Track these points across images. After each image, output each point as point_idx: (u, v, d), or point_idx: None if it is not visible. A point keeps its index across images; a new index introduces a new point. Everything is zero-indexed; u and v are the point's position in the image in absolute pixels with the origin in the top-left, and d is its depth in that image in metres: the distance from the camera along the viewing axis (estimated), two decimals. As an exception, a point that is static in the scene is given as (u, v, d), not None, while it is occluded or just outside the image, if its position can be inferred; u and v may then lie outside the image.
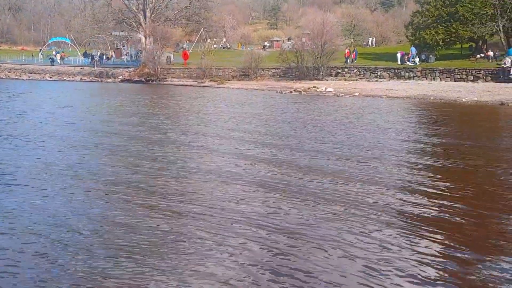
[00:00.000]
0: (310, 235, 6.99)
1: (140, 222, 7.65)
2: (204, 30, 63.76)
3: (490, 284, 5.58)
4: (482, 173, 10.54)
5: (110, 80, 46.84)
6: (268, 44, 71.34)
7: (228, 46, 71.42)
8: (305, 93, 32.46)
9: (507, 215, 7.78)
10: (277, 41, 73.01)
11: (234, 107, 24.40)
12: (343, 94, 30.74)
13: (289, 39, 65.41)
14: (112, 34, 60.48)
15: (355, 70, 39.91)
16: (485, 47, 44.81)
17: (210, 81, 41.33)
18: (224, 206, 8.36)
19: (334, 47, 40.22)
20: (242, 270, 5.98)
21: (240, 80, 41.33)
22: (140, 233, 7.17)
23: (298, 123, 18.56)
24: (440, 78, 34.94)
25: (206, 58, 44.37)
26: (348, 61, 42.88)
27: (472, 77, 33.19)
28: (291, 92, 33.06)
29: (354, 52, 45.00)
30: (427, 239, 6.85)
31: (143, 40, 50.55)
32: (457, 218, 7.69)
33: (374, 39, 66.77)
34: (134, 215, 7.98)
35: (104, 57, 55.80)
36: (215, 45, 68.87)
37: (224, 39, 74.99)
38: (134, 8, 51.76)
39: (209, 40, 65.62)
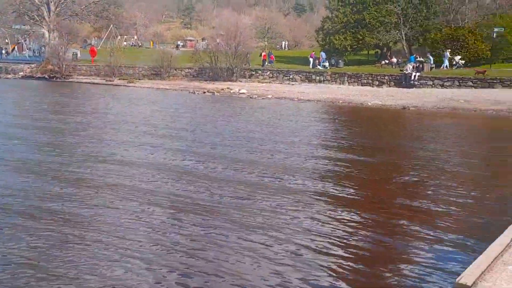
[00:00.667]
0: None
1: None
2: (114, 27, 61.26)
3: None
4: (383, 170, 10.80)
5: (9, 76, 43.39)
6: (182, 44, 70.16)
7: (140, 44, 69.25)
8: (218, 94, 32.08)
9: (402, 199, 7.92)
10: (191, 40, 72.08)
11: (139, 106, 23.57)
12: (256, 96, 30.76)
13: (203, 39, 64.78)
14: (13, 27, 56.22)
15: (269, 73, 40.25)
16: (389, 53, 47.28)
17: (119, 79, 39.62)
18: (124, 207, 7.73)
19: (247, 52, 40.29)
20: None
21: (151, 79, 40.07)
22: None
23: (204, 123, 18.16)
24: (349, 82, 36.17)
25: (115, 55, 42.54)
26: (267, 63, 43.31)
27: (377, 82, 34.70)
28: (204, 92, 32.54)
29: (271, 55, 45.54)
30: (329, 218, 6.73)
31: (46, 34, 47.42)
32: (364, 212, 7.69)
33: (287, 43, 68.09)
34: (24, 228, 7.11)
35: (4, 51, 51.70)
36: (125, 43, 66.44)
37: (135, 37, 72.68)
38: (37, 1, 48.38)
39: (119, 37, 63.12)
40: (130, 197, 8.75)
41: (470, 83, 30.80)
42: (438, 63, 38.74)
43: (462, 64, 37.31)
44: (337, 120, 21.07)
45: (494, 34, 36.18)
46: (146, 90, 34.29)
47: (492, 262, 4.30)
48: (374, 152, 13.61)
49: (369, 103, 27.40)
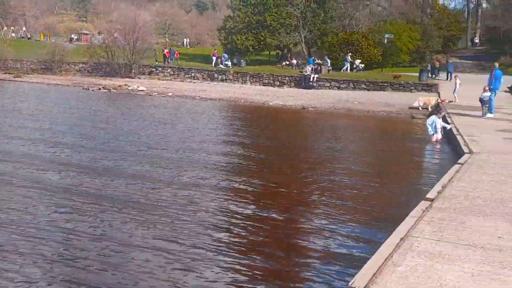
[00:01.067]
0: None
1: None
2: (0, 17, 56.28)
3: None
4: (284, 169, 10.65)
5: None
6: (76, 37, 66.19)
7: (29, 36, 64.22)
8: (115, 91, 30.48)
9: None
10: (86, 34, 68.22)
11: (23, 103, 21.59)
12: (156, 94, 29.68)
13: (99, 33, 61.61)
14: None
15: (169, 70, 39.21)
16: (290, 55, 48.34)
17: (4, 73, 36.29)
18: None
19: (145, 45, 38.92)
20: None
21: (41, 74, 37.20)
22: None
23: (97, 120, 16.97)
24: (251, 82, 36.29)
25: (0, 47, 38.98)
26: (169, 60, 42.19)
27: (278, 83, 35.19)
28: (99, 89, 30.75)
29: (176, 52, 44.53)
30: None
31: None
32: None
33: (189, 40, 67.12)
34: None
35: None
36: (13, 34, 61.30)
37: (24, 28, 67.27)
38: None
39: (5, 28, 58.06)
40: None
41: (364, 86, 32.26)
42: (336, 65, 40.31)
43: (362, 67, 39.14)
44: (239, 119, 20.82)
45: (385, 40, 38.34)
46: (35, 85, 31.64)
47: (382, 263, 4.12)
48: (274, 150, 13.47)
49: (270, 103, 27.58)
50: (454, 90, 25.31)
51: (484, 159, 9.45)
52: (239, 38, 44.84)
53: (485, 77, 20.35)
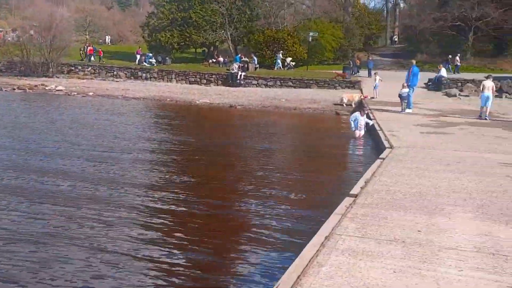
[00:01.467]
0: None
1: None
2: None
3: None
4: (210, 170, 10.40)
5: None
6: (-13, 34, 61.78)
7: None
8: (31, 91, 28.68)
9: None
10: (-2, 31, 63.85)
11: None
12: (75, 93, 28.28)
13: (13, 30, 57.84)
14: None
15: (90, 68, 37.61)
16: (216, 53, 48.03)
17: None
18: None
19: (64, 42, 37.03)
20: None
21: None
22: None
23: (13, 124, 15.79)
24: (176, 80, 35.60)
25: None
26: (92, 58, 40.49)
27: (205, 81, 34.77)
28: (14, 89, 28.80)
29: (99, 50, 42.86)
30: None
31: None
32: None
33: (111, 37, 64.88)
34: None
35: None
36: None
37: None
38: None
39: None
40: None
41: (291, 83, 32.64)
42: (263, 63, 40.56)
43: (293, 65, 39.65)
44: (164, 119, 20.22)
45: (310, 38, 39.09)
46: None
47: (307, 265, 4.01)
48: (199, 148, 13.16)
49: (197, 102, 27.16)
50: (375, 86, 26.25)
51: (403, 153, 9.73)
52: (164, 35, 43.92)
53: (404, 74, 21.23)
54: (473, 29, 43.08)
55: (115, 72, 37.09)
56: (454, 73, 37.27)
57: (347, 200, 6.10)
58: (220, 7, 43.39)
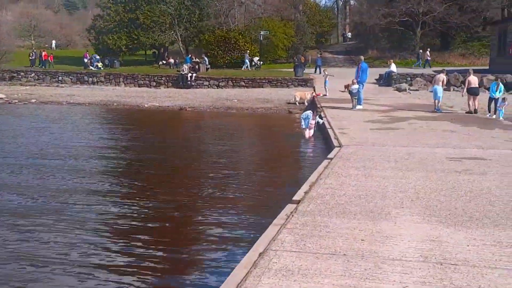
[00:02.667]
0: None
1: None
2: None
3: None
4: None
5: None
6: None
7: None
8: (-34, 100, 26.97)
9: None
10: None
11: None
12: (16, 101, 26.79)
13: (-50, 36, 54.78)
14: None
15: (33, 74, 35.83)
16: (167, 54, 46.98)
17: None
18: None
19: (4, 48, 35.19)
20: None
21: None
22: None
23: None
24: (125, 84, 34.41)
25: None
26: (47, 65, 38.83)
27: (155, 83, 33.77)
28: None
29: (51, 55, 41.08)
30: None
31: None
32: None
33: (56, 42, 62.61)
34: None
35: None
36: None
37: None
38: None
39: None
40: None
41: (243, 83, 32.12)
42: (215, 63, 39.91)
43: (260, 64, 39.18)
44: (109, 124, 19.30)
45: (261, 37, 38.75)
46: None
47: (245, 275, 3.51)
48: (146, 153, 12.43)
49: (146, 105, 26.26)
50: (325, 84, 26.17)
51: (352, 152, 9.37)
52: (111, 37, 42.60)
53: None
54: (421, 24, 43.90)
55: (60, 78, 35.48)
56: (424, 67, 37.92)
57: (288, 208, 5.61)
58: (168, 7, 42.41)
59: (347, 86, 21.55)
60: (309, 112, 14.58)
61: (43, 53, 40.92)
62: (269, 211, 6.59)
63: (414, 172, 7.40)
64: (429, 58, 39.50)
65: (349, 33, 64.95)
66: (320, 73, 33.70)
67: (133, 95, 29.74)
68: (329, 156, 9.14)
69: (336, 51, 55.98)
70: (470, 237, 4.51)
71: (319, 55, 39.06)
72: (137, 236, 6.42)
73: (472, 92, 17.39)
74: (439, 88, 17.92)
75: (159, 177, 9.83)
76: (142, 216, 7.28)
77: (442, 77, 18.41)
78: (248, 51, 39.84)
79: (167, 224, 6.99)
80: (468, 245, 4.30)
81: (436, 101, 17.83)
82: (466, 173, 7.35)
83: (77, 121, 19.72)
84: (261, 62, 39.89)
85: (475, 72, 30.11)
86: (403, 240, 4.44)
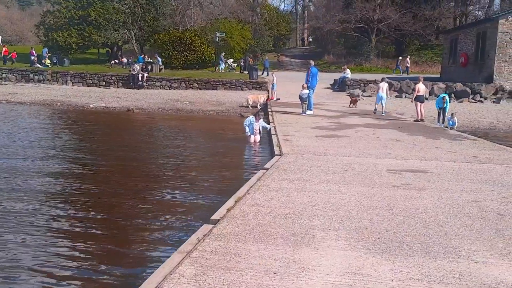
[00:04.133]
0: None
1: None
2: None
3: None
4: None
5: None
6: None
7: None
8: None
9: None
10: None
11: None
12: (-49, 99, 25.04)
13: None
14: None
15: (-27, 71, 33.80)
16: (120, 53, 45.58)
17: None
18: None
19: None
20: None
21: None
22: None
23: None
24: (72, 83, 32.90)
25: None
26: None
27: (104, 83, 32.44)
28: None
29: (13, 53, 39.00)
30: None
31: None
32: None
33: (2, 37, 59.77)
34: None
35: None
36: None
37: None
38: None
39: None
40: None
41: (196, 85, 31.30)
42: (168, 64, 38.90)
43: (235, 66, 38.39)
44: (46, 125, 18.07)
45: (217, 38, 38.03)
46: None
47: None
48: (81, 157, 11.46)
49: (91, 105, 25.07)
50: (272, 87, 25.83)
51: (291, 162, 8.82)
52: (61, 34, 40.92)
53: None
54: (376, 31, 44.38)
55: (3, 75, 33.58)
56: (403, 74, 38.27)
57: (202, 230, 4.95)
58: (122, 5, 41.10)
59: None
60: (251, 118, 13.98)
61: (3, 49, 38.79)
62: (186, 232, 5.91)
63: (350, 186, 6.90)
64: (408, 65, 39.93)
65: (310, 37, 65.25)
66: (267, 74, 33.46)
67: (79, 94, 28.44)
68: (266, 165, 8.55)
69: (294, 55, 56.00)
70: (397, 269, 3.98)
71: (266, 57, 38.62)
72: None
73: (419, 100, 17.48)
74: (383, 95, 19.32)
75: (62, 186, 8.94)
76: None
77: (385, 85, 19.69)
78: (223, 53, 39.15)
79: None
80: (392, 280, 3.77)
81: (379, 105, 19.38)
82: (404, 188, 6.90)
83: (13, 122, 18.40)
84: (236, 65, 39.28)
85: (427, 80, 30.57)
86: (320, 274, 3.86)
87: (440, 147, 11.06)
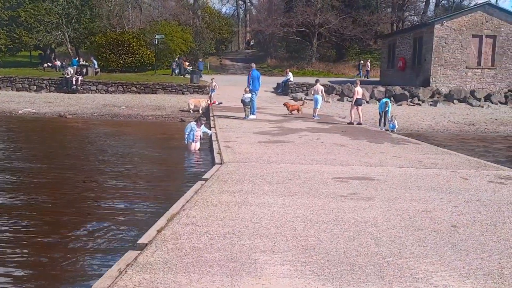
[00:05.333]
0: None
1: None
2: None
3: None
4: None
5: None
6: None
7: None
8: None
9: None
10: None
11: None
12: None
13: None
14: None
15: None
16: (53, 56, 43.40)
17: None
18: None
19: None
20: None
21: None
22: None
23: None
24: (1, 87, 30.74)
25: None
26: None
27: (35, 87, 30.53)
28: None
29: None
30: None
31: None
32: None
33: None
34: None
35: None
36: None
37: None
38: None
39: None
40: None
41: (134, 89, 30.12)
42: (105, 67, 37.35)
43: (190, 70, 37.13)
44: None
45: (156, 41, 36.90)
46: None
47: None
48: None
49: (19, 111, 23.43)
50: (212, 91, 25.26)
51: (232, 171, 8.22)
52: (-12, 36, 38.36)
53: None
54: (317, 35, 44.75)
55: None
56: (364, 77, 38.53)
57: (126, 257, 4.23)
58: (55, 6, 39.04)
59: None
60: (192, 124, 13.27)
61: None
62: (107, 260, 5.16)
63: (295, 198, 6.39)
64: (368, 69, 40.37)
65: (252, 41, 65.07)
66: (201, 77, 32.85)
67: (7, 100, 26.59)
68: (205, 176, 7.90)
69: (236, 58, 55.55)
70: (350, 300, 3.47)
71: (200, 59, 37.82)
72: None
73: (356, 103, 17.49)
74: (319, 97, 19.25)
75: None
76: None
77: (320, 87, 19.68)
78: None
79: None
80: (345, 316, 3.25)
81: (316, 109, 19.29)
82: (352, 198, 6.47)
83: None
84: (191, 68, 38.23)
85: (367, 83, 31.03)
86: (263, 311, 3.28)
87: (384, 151, 10.84)
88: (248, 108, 17.80)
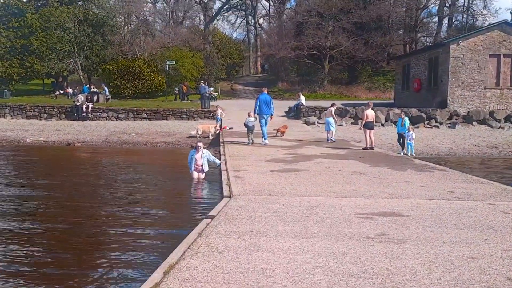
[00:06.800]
0: None
1: None
2: None
3: None
4: None
5: None
6: None
7: None
8: None
9: None
10: None
11: None
12: None
13: None
14: None
15: None
16: (66, 83, 43.40)
17: None
18: None
19: None
20: None
21: None
22: None
23: None
24: (11, 116, 30.54)
25: None
26: None
27: (46, 115, 30.21)
28: None
29: None
30: None
31: None
32: None
33: None
34: None
35: None
36: None
37: None
38: None
39: None
40: None
41: (145, 115, 29.65)
42: (117, 94, 37.14)
43: (215, 96, 36.78)
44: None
45: (167, 67, 36.64)
46: None
47: None
48: None
49: (28, 140, 22.97)
50: (217, 119, 24.30)
51: (242, 206, 7.38)
52: (1, 65, 38.43)
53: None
54: (328, 58, 44.20)
55: None
56: None
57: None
58: (67, 34, 39.08)
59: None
60: (193, 152, 12.50)
61: None
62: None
63: (315, 241, 5.52)
64: None
65: (267, 65, 64.68)
66: (215, 100, 32.21)
67: (17, 128, 26.24)
68: (211, 213, 7.07)
69: (247, 83, 55.17)
70: None
71: (202, 83, 37.11)
72: None
73: (368, 127, 16.53)
74: (332, 120, 18.80)
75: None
76: None
77: (333, 109, 19.43)
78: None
79: None
80: None
81: (329, 132, 18.80)
82: (381, 240, 5.58)
83: None
84: (217, 94, 37.84)
85: (381, 105, 30.17)
86: None
87: (409, 180, 9.91)
88: (251, 132, 17.11)
